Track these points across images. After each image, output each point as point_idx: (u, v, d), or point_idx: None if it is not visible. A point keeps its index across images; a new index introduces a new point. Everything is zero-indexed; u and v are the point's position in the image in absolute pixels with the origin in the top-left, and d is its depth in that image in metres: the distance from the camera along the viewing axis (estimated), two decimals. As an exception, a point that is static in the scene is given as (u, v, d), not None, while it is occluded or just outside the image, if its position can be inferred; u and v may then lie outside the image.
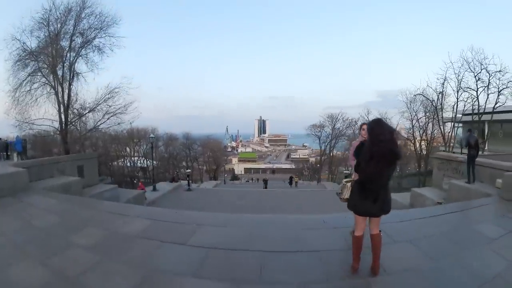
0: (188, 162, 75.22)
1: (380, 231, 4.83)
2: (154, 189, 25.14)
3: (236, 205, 22.97)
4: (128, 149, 67.21)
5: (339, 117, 66.08)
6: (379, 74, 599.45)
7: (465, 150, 15.05)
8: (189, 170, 34.67)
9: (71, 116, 21.89)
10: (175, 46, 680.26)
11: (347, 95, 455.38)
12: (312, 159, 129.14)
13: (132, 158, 66.82)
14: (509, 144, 33.44)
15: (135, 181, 61.62)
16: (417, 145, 51.48)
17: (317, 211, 19.63)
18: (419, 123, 48.33)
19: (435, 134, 48.26)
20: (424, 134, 49.30)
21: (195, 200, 24.38)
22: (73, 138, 23.69)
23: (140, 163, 65.17)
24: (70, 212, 8.44)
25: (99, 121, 22.87)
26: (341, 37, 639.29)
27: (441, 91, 37.84)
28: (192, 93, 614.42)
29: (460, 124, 41.19)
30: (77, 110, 22.17)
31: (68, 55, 21.69)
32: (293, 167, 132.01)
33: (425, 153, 49.96)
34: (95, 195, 15.16)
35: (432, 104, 40.33)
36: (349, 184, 5.46)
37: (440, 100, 39.17)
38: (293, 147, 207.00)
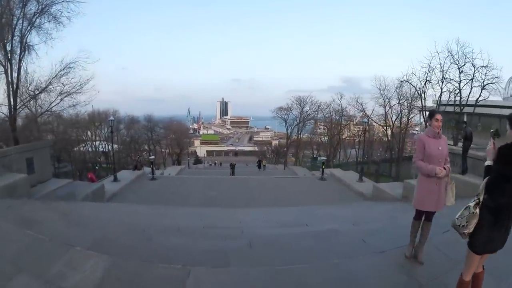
0: (150, 145, 72.45)
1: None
2: (115, 179, 22.60)
3: (208, 196, 21.19)
4: (89, 133, 63.86)
5: (307, 100, 64.91)
6: (343, 60, 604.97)
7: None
8: (152, 157, 32.17)
9: (22, 98, 19.19)
10: (138, 25, 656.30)
11: (310, 79, 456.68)
12: (275, 142, 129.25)
13: (94, 142, 63.51)
14: (487, 137, 33.62)
15: (97, 167, 58.92)
16: (389, 131, 51.89)
17: (299, 203, 18.27)
18: (392, 110, 48.66)
19: (412, 122, 49.02)
20: (398, 121, 49.72)
21: (161, 191, 22.28)
22: (23, 124, 21.05)
23: (102, 148, 61.96)
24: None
25: (52, 103, 20.31)
26: (305, 20, 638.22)
27: (429, 79, 37.81)
28: (155, 75, 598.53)
29: None
30: (30, 90, 19.45)
31: (20, 24, 18.78)
32: (256, 149, 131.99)
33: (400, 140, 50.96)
34: (46, 194, 12.75)
35: (417, 91, 40.55)
36: (477, 210, 3.46)
37: (423, 89, 39.46)
38: (256, 129, 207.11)
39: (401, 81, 42.16)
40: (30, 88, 19.43)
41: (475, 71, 33.46)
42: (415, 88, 40.63)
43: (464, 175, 12.12)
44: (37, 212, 8.70)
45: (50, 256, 5.28)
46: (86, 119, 59.56)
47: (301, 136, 69.50)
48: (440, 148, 5.07)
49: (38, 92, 19.48)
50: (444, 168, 4.97)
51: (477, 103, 34.06)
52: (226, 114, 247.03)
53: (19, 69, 18.52)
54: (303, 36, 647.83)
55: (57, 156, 52.11)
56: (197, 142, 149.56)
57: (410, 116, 50.39)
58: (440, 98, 37.08)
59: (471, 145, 13.91)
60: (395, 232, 6.89)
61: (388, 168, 52.19)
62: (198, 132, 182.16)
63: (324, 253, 6.05)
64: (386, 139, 57.19)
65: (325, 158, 35.07)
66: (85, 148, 62.99)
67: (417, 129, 58.00)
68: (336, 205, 16.62)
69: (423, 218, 5.27)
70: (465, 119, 36.72)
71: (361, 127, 61.25)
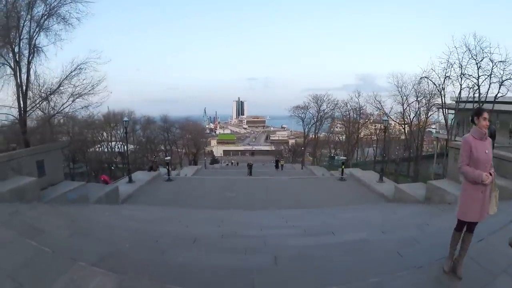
0: (166, 145, 72.51)
1: None
2: (130, 180, 22.21)
3: (226, 198, 20.58)
4: (105, 134, 63.93)
5: (324, 99, 63.70)
6: (358, 58, 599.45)
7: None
8: (168, 158, 31.71)
9: (32, 100, 18.82)
10: (155, 27, 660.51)
11: (325, 77, 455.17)
12: (292, 141, 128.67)
13: (110, 143, 63.53)
14: (504, 134, 33.82)
15: (112, 167, 59.11)
16: (407, 129, 50.98)
17: (320, 205, 17.63)
18: (409, 108, 47.78)
19: (430, 120, 48.14)
20: (416, 119, 48.86)
21: (177, 193, 21.73)
22: (35, 127, 20.68)
23: (118, 148, 62.13)
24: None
25: (63, 104, 19.93)
26: (319, 19, 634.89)
27: (448, 75, 36.60)
28: (171, 75, 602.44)
29: (452, 111, 40.75)
30: (41, 92, 19.09)
31: (27, 26, 18.41)
32: (273, 149, 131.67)
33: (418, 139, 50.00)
34: (57, 198, 12.31)
35: (437, 88, 39.34)
36: None
37: (442, 85, 38.26)
38: (272, 128, 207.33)
39: (421, 78, 40.78)
40: (41, 90, 19.09)
41: (493, 66, 32.57)
42: (435, 84, 39.50)
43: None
44: (43, 219, 8.29)
45: (52, 272, 4.78)
46: (101, 120, 59.68)
47: (319, 135, 68.06)
48: (487, 151, 4.57)
49: (48, 93, 19.13)
50: (490, 174, 4.47)
51: (496, 100, 33.07)
52: (242, 113, 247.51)
53: (28, 71, 18.24)
54: (317, 35, 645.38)
55: (72, 157, 52.50)
56: (213, 142, 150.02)
57: (429, 114, 49.18)
58: (460, 95, 36.18)
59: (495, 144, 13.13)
60: (428, 242, 6.49)
61: (407, 167, 51.05)
62: (215, 132, 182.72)
63: (360, 269, 5.40)
64: (403, 138, 56.05)
65: (344, 157, 34.05)
66: (100, 149, 63.17)
67: (433, 126, 56.67)
68: (358, 207, 15.84)
69: (464, 229, 4.80)
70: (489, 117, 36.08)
71: (379, 125, 60.60)
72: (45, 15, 18.45)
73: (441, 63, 36.38)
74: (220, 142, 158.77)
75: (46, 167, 13.97)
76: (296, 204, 18.79)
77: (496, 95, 32.83)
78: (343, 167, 27.40)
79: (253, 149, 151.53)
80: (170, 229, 8.32)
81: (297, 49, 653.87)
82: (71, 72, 19.30)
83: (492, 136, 11.77)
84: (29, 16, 18.06)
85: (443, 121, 44.47)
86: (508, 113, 35.26)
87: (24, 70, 18.01)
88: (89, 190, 15.47)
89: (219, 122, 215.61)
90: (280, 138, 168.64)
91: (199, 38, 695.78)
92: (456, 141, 29.00)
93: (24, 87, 17.86)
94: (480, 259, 5.13)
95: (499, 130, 34.04)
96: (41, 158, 13.78)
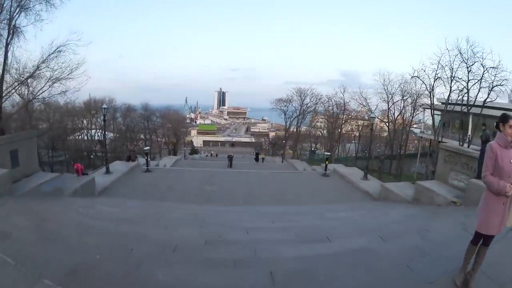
0: (146, 134, 71.33)
1: None
2: (108, 171, 21.19)
3: (206, 192, 19.88)
4: (85, 121, 62.65)
5: (308, 93, 62.78)
6: (343, 53, 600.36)
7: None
8: (147, 148, 30.60)
9: (9, 84, 17.66)
10: (135, 12, 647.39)
11: (309, 72, 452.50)
12: (272, 134, 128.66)
13: (90, 131, 62.16)
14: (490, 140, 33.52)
15: (92, 156, 57.86)
16: (391, 127, 51.63)
17: (306, 202, 17.34)
18: (394, 106, 48.76)
19: (415, 120, 50.02)
20: (400, 117, 49.43)
21: (156, 185, 20.88)
22: (8, 114, 19.45)
23: (97, 136, 60.59)
24: None
25: (40, 89, 18.84)
26: (304, 10, 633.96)
27: (439, 76, 36.95)
28: (152, 62, 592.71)
29: (438, 112, 41.43)
30: (19, 76, 17.93)
31: (8, 5, 17.13)
32: (253, 141, 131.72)
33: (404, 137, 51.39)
34: (30, 191, 11.47)
35: (427, 88, 39.66)
36: None
37: (432, 86, 38.62)
38: (253, 120, 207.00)
39: (412, 77, 41.11)
40: (20, 74, 18.01)
41: (484, 71, 32.92)
42: (425, 84, 39.79)
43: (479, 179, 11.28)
44: (12, 219, 7.51)
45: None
46: (82, 107, 58.85)
47: (300, 128, 67.60)
48: (511, 161, 4.14)
49: (25, 78, 18.03)
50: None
51: (485, 105, 33.44)
52: (224, 104, 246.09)
53: (5, 53, 17.06)
54: (302, 27, 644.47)
55: (52, 145, 51.18)
56: (193, 132, 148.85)
57: (415, 114, 49.72)
58: (449, 97, 36.45)
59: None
60: (433, 252, 6.08)
61: (389, 165, 51.36)
62: (195, 122, 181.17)
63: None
64: (386, 135, 56.39)
65: (328, 153, 33.72)
66: (80, 136, 61.92)
67: (415, 126, 57.12)
68: (346, 206, 15.34)
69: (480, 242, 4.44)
70: (470, 120, 36.85)
71: (361, 121, 60.78)
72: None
73: (432, 64, 36.74)
74: (200, 133, 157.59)
75: (20, 157, 13.04)
76: (280, 200, 18.32)
77: (485, 100, 33.16)
78: (327, 162, 27.00)
79: (233, 140, 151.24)
80: (147, 231, 7.50)
81: (281, 41, 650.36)
82: (50, 54, 18.30)
83: (487, 141, 11.50)
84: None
85: (428, 121, 45.72)
86: (495, 118, 35.37)
87: (1, 52, 16.88)
88: (65, 181, 14.65)
89: (200, 112, 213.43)
90: (260, 130, 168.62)
91: (183, 25, 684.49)
92: (443, 142, 29.11)
93: (0, 71, 16.71)
94: (488, 270, 4.86)
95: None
96: (15, 148, 12.79)
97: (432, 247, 6.40)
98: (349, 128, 66.03)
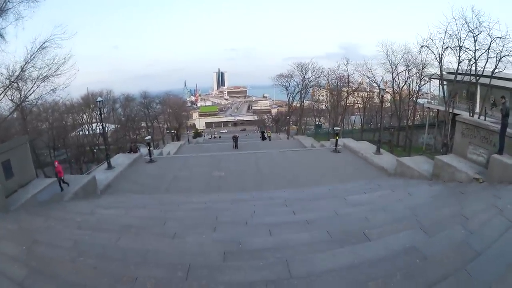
0: (147, 122, 70.49)
1: None
2: (109, 166, 20.11)
3: (215, 179, 18.92)
4: (85, 116, 62.09)
5: (309, 67, 60.75)
6: (341, 26, 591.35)
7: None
8: (149, 137, 29.40)
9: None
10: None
11: (308, 46, 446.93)
12: (274, 110, 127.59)
13: (91, 125, 61.23)
14: (497, 110, 32.86)
15: (95, 150, 57.21)
16: (397, 98, 50.63)
17: (322, 181, 16.69)
18: (399, 77, 48.18)
19: (421, 90, 49.18)
20: (406, 87, 48.68)
21: (160, 176, 19.93)
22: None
23: (99, 130, 59.81)
24: None
25: (28, 91, 17.82)
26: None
27: (448, 46, 36.62)
28: (148, 50, 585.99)
29: (445, 83, 40.81)
30: (5, 79, 16.90)
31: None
32: (256, 118, 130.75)
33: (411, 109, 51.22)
34: (26, 203, 10.48)
35: (436, 59, 38.94)
36: None
37: (441, 56, 38.04)
38: (254, 98, 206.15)
39: (421, 46, 40.19)
40: (7, 78, 17.03)
41: (491, 41, 32.75)
42: (434, 54, 38.86)
43: (501, 155, 10.66)
44: (1, 245, 6.58)
45: None
46: (80, 102, 59.08)
47: (303, 103, 66.09)
48: None
49: (11, 81, 17.02)
50: None
51: (493, 75, 33.34)
52: (223, 84, 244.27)
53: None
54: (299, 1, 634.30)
55: (53, 145, 50.64)
56: (195, 115, 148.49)
57: (421, 84, 48.56)
58: (459, 67, 36.13)
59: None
60: (485, 249, 5.13)
61: (396, 137, 50.31)
62: (196, 105, 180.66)
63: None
64: (392, 106, 55.14)
65: (338, 128, 32.69)
66: (81, 132, 61.17)
67: (421, 96, 56.01)
68: (365, 185, 14.28)
69: None
70: (477, 91, 36.12)
71: (365, 93, 59.51)
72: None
73: (439, 33, 36.65)
74: (202, 115, 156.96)
75: (13, 167, 11.94)
76: (293, 182, 17.38)
77: (493, 70, 33.06)
78: (337, 137, 25.86)
79: (236, 119, 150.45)
80: (153, 243, 6.47)
81: (278, 18, 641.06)
82: (34, 53, 17.23)
83: (508, 114, 11.00)
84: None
85: (435, 92, 45.93)
86: (503, 89, 34.52)
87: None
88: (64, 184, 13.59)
89: (199, 95, 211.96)
90: (262, 107, 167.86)
91: (177, 9, 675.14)
92: (457, 114, 28.26)
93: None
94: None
95: (492, 104, 34.01)
96: (6, 158, 11.65)
97: (479, 241, 5.46)
98: (353, 100, 64.47)
